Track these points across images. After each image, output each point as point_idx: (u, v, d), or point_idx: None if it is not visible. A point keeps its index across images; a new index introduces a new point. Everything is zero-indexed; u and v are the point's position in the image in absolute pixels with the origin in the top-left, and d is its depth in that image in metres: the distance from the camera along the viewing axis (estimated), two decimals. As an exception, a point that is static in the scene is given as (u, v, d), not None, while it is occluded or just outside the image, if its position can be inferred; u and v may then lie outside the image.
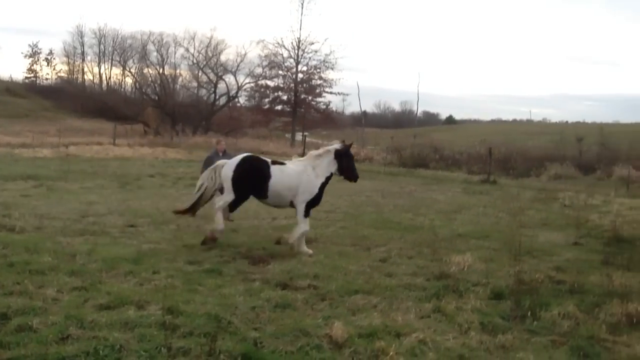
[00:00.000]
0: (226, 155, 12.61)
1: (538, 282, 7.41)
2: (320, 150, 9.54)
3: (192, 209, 9.54)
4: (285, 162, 9.50)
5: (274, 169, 9.08)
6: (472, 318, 6.00)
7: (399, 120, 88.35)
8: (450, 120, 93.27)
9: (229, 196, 9.12)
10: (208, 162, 12.15)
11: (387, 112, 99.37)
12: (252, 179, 9.02)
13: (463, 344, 5.36)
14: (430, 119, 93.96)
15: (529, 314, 6.17)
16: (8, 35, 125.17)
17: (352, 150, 9.95)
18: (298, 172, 9.18)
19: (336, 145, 9.66)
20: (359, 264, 8.23)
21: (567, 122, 76.85)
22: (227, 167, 9.15)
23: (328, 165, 9.34)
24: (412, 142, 34.98)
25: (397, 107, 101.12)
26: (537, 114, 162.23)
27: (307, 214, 9.15)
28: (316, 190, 9.22)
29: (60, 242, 8.58)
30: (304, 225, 9.04)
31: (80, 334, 4.92)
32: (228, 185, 9.09)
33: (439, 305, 6.36)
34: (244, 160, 9.18)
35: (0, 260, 7.19)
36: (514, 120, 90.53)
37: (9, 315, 5.26)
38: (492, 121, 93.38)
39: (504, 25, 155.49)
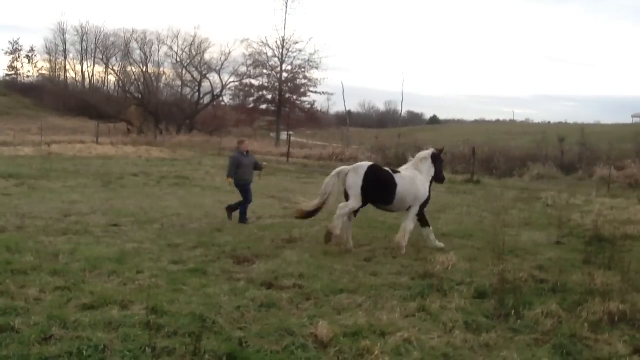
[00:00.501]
0: (250, 155, 12.29)
1: (521, 281, 7.47)
2: (422, 155, 10.25)
3: (314, 213, 9.95)
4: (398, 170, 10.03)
5: (397, 177, 9.59)
6: (456, 317, 6.03)
7: (384, 120, 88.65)
8: (434, 120, 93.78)
9: (356, 203, 9.39)
10: (236, 163, 11.87)
11: (372, 112, 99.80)
12: (381, 188, 9.43)
13: (448, 343, 5.39)
14: (414, 119, 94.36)
15: (512, 312, 6.21)
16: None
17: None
18: (413, 178, 9.78)
19: (431, 150, 10.40)
20: (344, 263, 8.24)
21: (549, 122, 77.57)
22: (355, 175, 9.42)
23: (429, 169, 10.11)
24: (397, 142, 35.06)
25: (381, 106, 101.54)
26: (520, 114, 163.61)
27: (419, 215, 9.81)
28: (428, 193, 9.95)
29: (42, 241, 8.49)
30: (411, 224, 9.60)
31: (63, 334, 4.87)
32: (356, 193, 9.36)
33: (423, 305, 6.39)
34: (371, 169, 9.51)
35: (-19, 260, 7.09)
36: (497, 121, 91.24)
37: (-11, 316, 5.19)
38: (476, 121, 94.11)
39: (487, 26, 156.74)
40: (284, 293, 6.59)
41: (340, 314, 6.02)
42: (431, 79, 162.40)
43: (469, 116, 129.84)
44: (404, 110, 78.58)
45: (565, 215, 13.26)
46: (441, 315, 6.09)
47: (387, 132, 59.64)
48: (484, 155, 29.22)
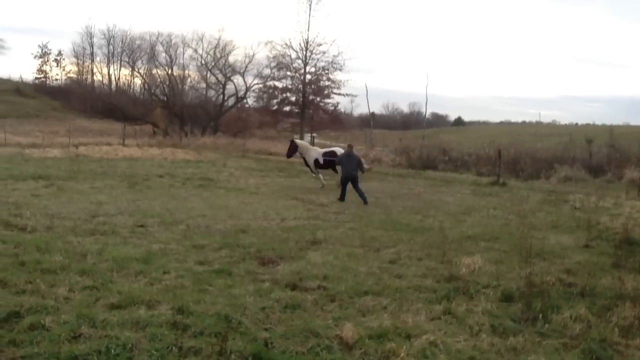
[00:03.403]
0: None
1: (549, 284, 7.34)
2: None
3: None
4: None
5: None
6: (482, 320, 5.97)
7: (407, 122, 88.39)
8: (458, 121, 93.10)
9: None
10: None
11: (396, 114, 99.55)
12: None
13: (474, 346, 5.33)
14: (438, 121, 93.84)
15: (540, 316, 6.13)
16: (18, 35, 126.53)
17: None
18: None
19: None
20: (368, 265, 8.21)
21: (576, 124, 76.31)
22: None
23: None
24: (421, 144, 34.80)
25: (405, 108, 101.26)
26: (546, 115, 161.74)
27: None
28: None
29: (71, 241, 8.62)
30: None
31: (92, 332, 4.95)
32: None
33: (449, 307, 6.34)
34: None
35: (12, 260, 7.24)
36: (523, 122, 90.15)
37: (21, 314, 5.29)
38: (501, 123, 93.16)
39: (512, 27, 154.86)
40: (309, 294, 6.59)
41: (365, 316, 6.01)
42: (456, 81, 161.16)
43: (494, 117, 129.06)
44: (428, 111, 78.19)
45: (593, 218, 13.02)
46: (467, 319, 6.03)
47: (411, 133, 59.36)
48: (510, 157, 28.82)
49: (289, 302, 6.22)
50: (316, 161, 18.84)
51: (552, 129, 66.04)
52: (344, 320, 5.70)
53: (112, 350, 4.61)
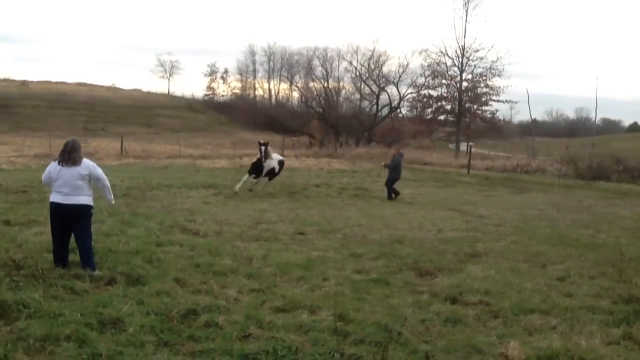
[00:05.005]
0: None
1: None
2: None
3: None
4: None
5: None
6: (671, 349, 5.32)
7: (574, 129, 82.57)
8: (634, 127, 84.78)
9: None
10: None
11: (560, 120, 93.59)
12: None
13: (662, 378, 4.76)
14: (610, 127, 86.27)
15: None
16: (191, 57, 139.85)
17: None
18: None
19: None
20: (534, 281, 7.72)
21: None
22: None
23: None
24: (590, 152, 32.15)
25: (571, 114, 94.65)
26: None
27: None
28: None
29: (238, 246, 9.17)
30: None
31: (260, 333, 5.19)
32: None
33: (629, 332, 5.72)
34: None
35: (189, 261, 7.87)
36: None
37: (197, 312, 5.71)
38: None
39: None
40: (470, 309, 6.35)
41: (532, 335, 5.63)
42: (630, 82, 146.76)
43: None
44: (598, 117, 72.26)
45: None
46: (652, 346, 5.41)
47: (579, 141, 55.22)
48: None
49: (450, 316, 6.03)
50: (273, 169, 17.92)
51: None
52: (509, 338, 5.40)
53: (279, 352, 4.79)
